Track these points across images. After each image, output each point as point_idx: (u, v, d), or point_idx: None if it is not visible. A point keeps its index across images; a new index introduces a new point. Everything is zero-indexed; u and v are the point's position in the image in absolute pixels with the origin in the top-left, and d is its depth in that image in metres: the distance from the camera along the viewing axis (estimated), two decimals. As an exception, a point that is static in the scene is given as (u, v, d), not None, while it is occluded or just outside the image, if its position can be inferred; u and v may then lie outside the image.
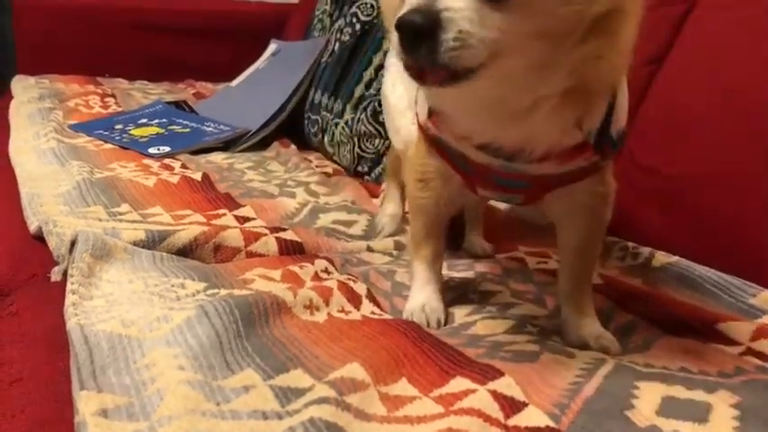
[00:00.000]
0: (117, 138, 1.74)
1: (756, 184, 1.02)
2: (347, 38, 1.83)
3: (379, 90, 1.48)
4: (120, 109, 2.12)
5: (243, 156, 1.74)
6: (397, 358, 0.74)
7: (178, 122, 1.91)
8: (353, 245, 1.18)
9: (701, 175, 1.10)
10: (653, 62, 1.23)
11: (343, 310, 0.89)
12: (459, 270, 1.09)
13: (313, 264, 1.03)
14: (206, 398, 0.64)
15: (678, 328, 0.87)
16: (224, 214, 1.23)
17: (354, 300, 0.92)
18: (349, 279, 0.99)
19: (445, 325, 0.90)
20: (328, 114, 1.78)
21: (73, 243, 0.96)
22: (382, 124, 1.48)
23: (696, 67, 1.17)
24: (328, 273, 1.02)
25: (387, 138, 1.40)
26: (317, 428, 0.60)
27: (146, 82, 2.56)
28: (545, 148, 0.76)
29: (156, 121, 1.92)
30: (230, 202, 1.30)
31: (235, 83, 2.22)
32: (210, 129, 1.86)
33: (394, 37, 0.65)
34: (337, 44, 1.87)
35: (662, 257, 1.09)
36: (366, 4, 1.81)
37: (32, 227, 1.11)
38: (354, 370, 0.69)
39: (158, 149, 1.66)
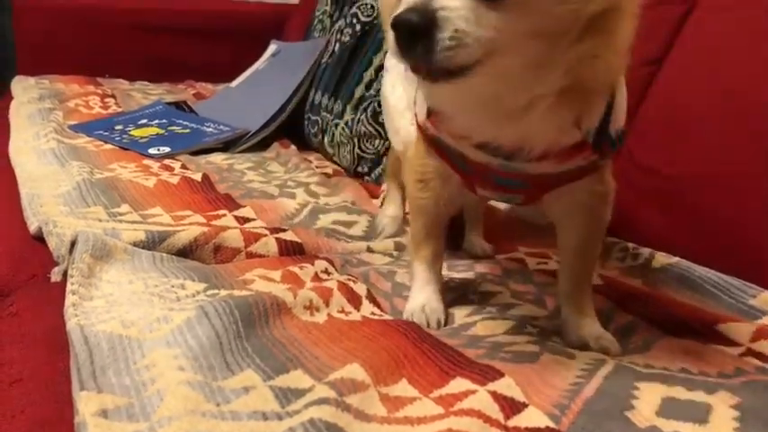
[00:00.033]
0: (117, 138, 1.74)
1: (756, 184, 1.02)
2: (347, 38, 1.84)
3: (379, 91, 1.48)
4: (120, 109, 2.12)
5: (243, 156, 1.74)
6: (398, 359, 0.74)
7: (178, 123, 1.91)
8: (353, 245, 1.18)
9: (701, 175, 1.10)
10: (653, 62, 1.23)
11: (343, 311, 0.89)
12: (459, 271, 1.09)
13: (313, 264, 1.03)
14: (206, 398, 0.64)
15: (678, 329, 0.87)
16: (224, 215, 1.23)
17: (354, 300, 0.92)
18: (349, 280, 0.99)
19: (445, 325, 0.90)
20: (328, 115, 1.78)
21: (73, 243, 0.96)
22: (382, 125, 1.48)
23: (696, 68, 1.17)
24: (328, 273, 1.02)
25: (387, 138, 1.40)
26: (317, 429, 0.60)
27: (146, 82, 2.56)
28: (543, 146, 0.76)
29: (156, 121, 1.92)
30: (230, 203, 1.30)
31: (235, 83, 2.22)
32: (210, 129, 1.86)
33: (390, 36, 0.66)
34: (337, 45, 1.87)
35: (662, 258, 1.09)
36: (366, 4, 1.81)
37: (32, 227, 1.11)
38: (354, 371, 0.69)
39: (158, 150, 1.66)
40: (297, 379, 0.69)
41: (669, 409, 0.68)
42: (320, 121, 1.82)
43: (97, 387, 0.66)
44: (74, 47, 2.57)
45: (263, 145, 1.83)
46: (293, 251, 1.11)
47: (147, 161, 1.57)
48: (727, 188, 1.06)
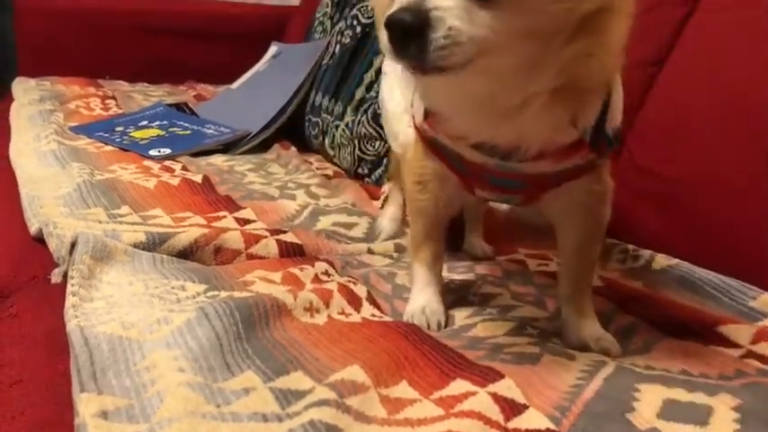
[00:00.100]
0: (117, 140, 1.74)
1: (756, 185, 1.02)
2: (348, 40, 1.84)
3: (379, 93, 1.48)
4: (120, 111, 2.12)
5: (243, 158, 1.74)
6: (398, 360, 0.74)
7: (179, 124, 1.91)
8: (354, 247, 1.18)
9: (701, 177, 1.10)
10: (654, 64, 1.23)
11: (343, 313, 0.89)
12: (459, 272, 1.09)
13: (313, 266, 1.03)
14: (206, 400, 0.64)
15: (679, 331, 0.87)
16: (224, 216, 1.23)
17: (355, 302, 0.92)
18: (349, 281, 0.99)
19: (445, 327, 0.90)
20: (329, 116, 1.78)
21: (73, 245, 0.96)
22: (383, 127, 1.48)
23: (697, 70, 1.17)
24: (328, 275, 1.02)
25: (387, 140, 1.40)
26: (318, 430, 0.60)
27: (146, 84, 2.56)
28: (539, 145, 0.76)
29: (157, 123, 1.92)
30: (231, 205, 1.30)
31: (235, 85, 2.22)
32: (211, 131, 1.86)
33: (383, 35, 0.65)
34: (338, 46, 1.87)
35: (662, 260, 1.09)
36: (367, 6, 1.81)
37: (33, 228, 1.11)
38: (355, 372, 0.69)
39: (159, 151, 1.66)
40: (297, 380, 0.69)
41: (670, 410, 0.68)
42: (321, 123, 1.82)
43: (97, 388, 0.66)
44: (75, 48, 2.58)
45: (263, 146, 1.83)
46: (293, 253, 1.11)
47: (147, 162, 1.57)
48: (728, 190, 1.06)
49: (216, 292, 0.90)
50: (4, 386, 0.72)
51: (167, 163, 1.58)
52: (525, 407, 0.66)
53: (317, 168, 1.69)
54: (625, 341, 0.86)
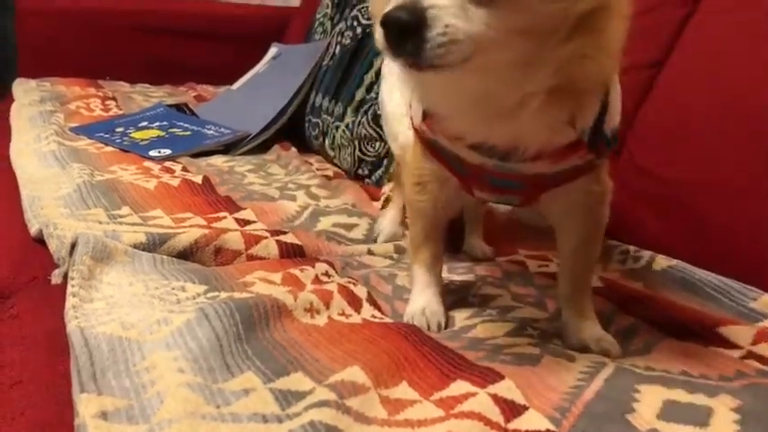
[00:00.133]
0: (118, 140, 1.74)
1: (756, 186, 1.02)
2: (348, 41, 1.84)
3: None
4: (121, 112, 2.12)
5: (243, 159, 1.74)
6: (398, 361, 0.74)
7: (179, 125, 1.91)
8: (354, 248, 1.18)
9: (702, 178, 1.10)
10: (653, 66, 1.23)
11: (343, 314, 0.89)
12: (459, 273, 1.09)
13: (314, 267, 1.03)
14: (206, 401, 0.64)
15: (679, 332, 0.87)
16: (224, 217, 1.23)
17: (355, 303, 0.92)
18: (349, 282, 0.99)
19: (446, 328, 0.90)
20: (329, 117, 1.78)
21: (73, 246, 0.96)
22: (383, 127, 1.48)
23: (697, 71, 1.17)
24: (329, 276, 1.02)
25: (387, 141, 1.40)
26: (317, 431, 0.60)
27: (147, 85, 2.56)
28: (536, 146, 0.76)
29: (157, 123, 1.92)
30: (231, 205, 1.30)
31: (236, 86, 2.23)
32: (211, 132, 1.86)
33: (379, 34, 0.65)
34: (338, 47, 1.88)
35: (663, 261, 1.09)
36: (367, 7, 1.81)
37: (33, 229, 1.11)
38: (355, 373, 0.69)
39: (159, 152, 1.66)
40: (297, 381, 0.69)
41: (670, 411, 0.68)
42: (321, 124, 1.82)
43: (97, 389, 0.66)
44: (75, 49, 2.58)
45: (263, 147, 1.83)
46: (294, 254, 1.11)
47: (147, 163, 1.57)
48: (727, 191, 1.06)
49: (216, 293, 0.90)
50: (5, 387, 0.72)
51: (167, 164, 1.58)
52: (525, 408, 0.66)
53: (318, 169, 1.69)
54: (625, 342, 0.86)
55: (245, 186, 1.49)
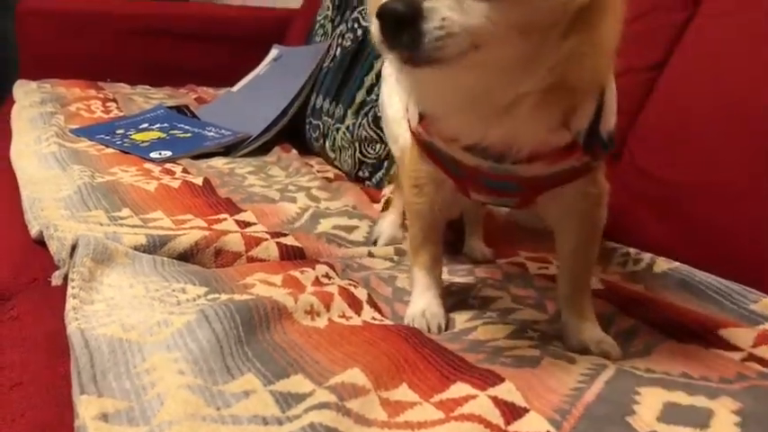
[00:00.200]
0: (118, 142, 1.74)
1: (757, 188, 1.02)
2: (349, 43, 1.84)
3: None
4: (121, 113, 2.12)
5: (244, 161, 1.74)
6: (398, 363, 0.74)
7: (179, 127, 1.92)
8: (354, 250, 1.18)
9: (702, 180, 1.10)
10: (654, 68, 1.23)
11: (343, 316, 0.89)
12: (459, 275, 1.09)
13: (314, 269, 1.03)
14: (206, 402, 0.64)
15: (679, 334, 0.87)
16: (225, 219, 1.23)
17: (355, 305, 0.92)
18: (350, 284, 0.99)
19: (446, 330, 0.90)
20: (329, 119, 1.78)
21: (74, 247, 0.96)
22: (383, 129, 1.48)
23: (697, 73, 1.17)
24: (329, 278, 1.02)
25: (387, 143, 1.40)
26: (318, 433, 0.60)
27: (147, 87, 2.56)
28: (530, 146, 0.76)
29: (158, 125, 1.92)
30: (231, 207, 1.30)
31: (236, 88, 2.23)
32: (212, 134, 1.86)
33: (375, 26, 0.65)
34: (339, 49, 1.88)
35: (663, 263, 1.09)
36: (367, 8, 1.81)
37: (33, 231, 1.11)
38: (355, 375, 0.69)
39: (160, 154, 1.66)
40: (297, 383, 0.69)
41: (670, 414, 0.68)
42: (321, 126, 1.82)
43: (97, 391, 0.66)
44: (76, 51, 2.58)
45: (264, 149, 1.83)
46: (294, 256, 1.11)
47: (148, 165, 1.57)
48: (728, 193, 1.06)
49: (216, 295, 0.90)
50: (5, 388, 0.72)
51: (168, 165, 1.58)
52: (526, 410, 0.66)
53: (318, 171, 1.69)
54: (626, 344, 0.86)
55: (246, 188, 1.49)
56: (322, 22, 2.14)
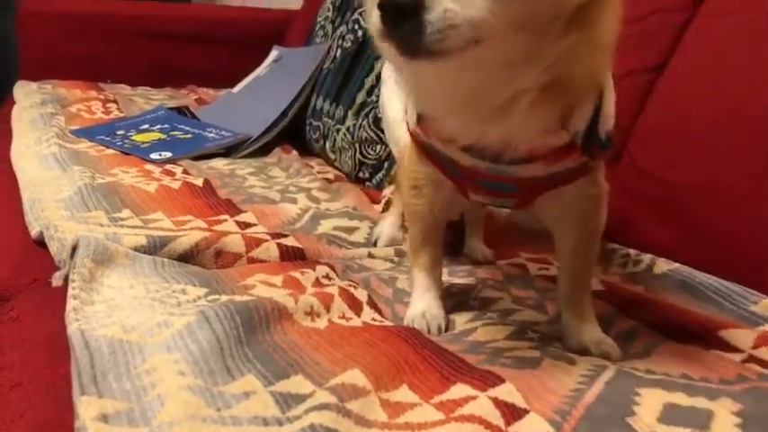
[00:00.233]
0: (119, 143, 1.74)
1: (757, 189, 1.02)
2: (349, 44, 1.84)
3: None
4: (121, 114, 2.12)
5: (244, 162, 1.74)
6: (398, 365, 0.74)
7: (180, 128, 1.92)
8: (355, 251, 1.18)
9: (703, 181, 1.10)
10: (655, 69, 1.23)
11: (344, 317, 0.89)
12: (459, 276, 1.09)
13: (314, 270, 1.03)
14: (206, 403, 0.64)
15: (680, 335, 0.87)
16: (225, 220, 1.23)
17: (355, 306, 0.92)
18: (350, 285, 0.99)
19: (446, 331, 0.90)
20: (330, 120, 1.78)
21: (74, 248, 0.96)
22: (383, 130, 1.48)
23: (698, 74, 1.17)
24: (329, 279, 1.02)
25: (388, 144, 1.40)
26: (318, 434, 0.60)
27: (148, 88, 2.56)
28: (528, 146, 0.76)
29: (158, 126, 1.92)
30: (231, 208, 1.30)
31: (236, 89, 2.23)
32: (212, 135, 1.86)
33: (375, 17, 0.64)
34: (339, 50, 1.88)
35: (663, 264, 1.09)
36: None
37: (34, 232, 1.11)
38: (355, 376, 0.69)
39: (160, 155, 1.66)
40: (297, 384, 0.69)
41: (670, 415, 0.68)
42: (322, 127, 1.83)
43: (98, 392, 0.66)
44: (76, 52, 2.58)
45: (264, 150, 1.83)
46: (294, 256, 1.11)
47: (148, 166, 1.57)
48: (729, 194, 1.06)
49: (217, 296, 0.90)
50: (5, 389, 0.72)
51: (168, 166, 1.58)
52: (526, 411, 0.66)
53: (318, 172, 1.69)
54: (626, 345, 0.86)
55: (246, 189, 1.49)
56: (322, 23, 2.14)
